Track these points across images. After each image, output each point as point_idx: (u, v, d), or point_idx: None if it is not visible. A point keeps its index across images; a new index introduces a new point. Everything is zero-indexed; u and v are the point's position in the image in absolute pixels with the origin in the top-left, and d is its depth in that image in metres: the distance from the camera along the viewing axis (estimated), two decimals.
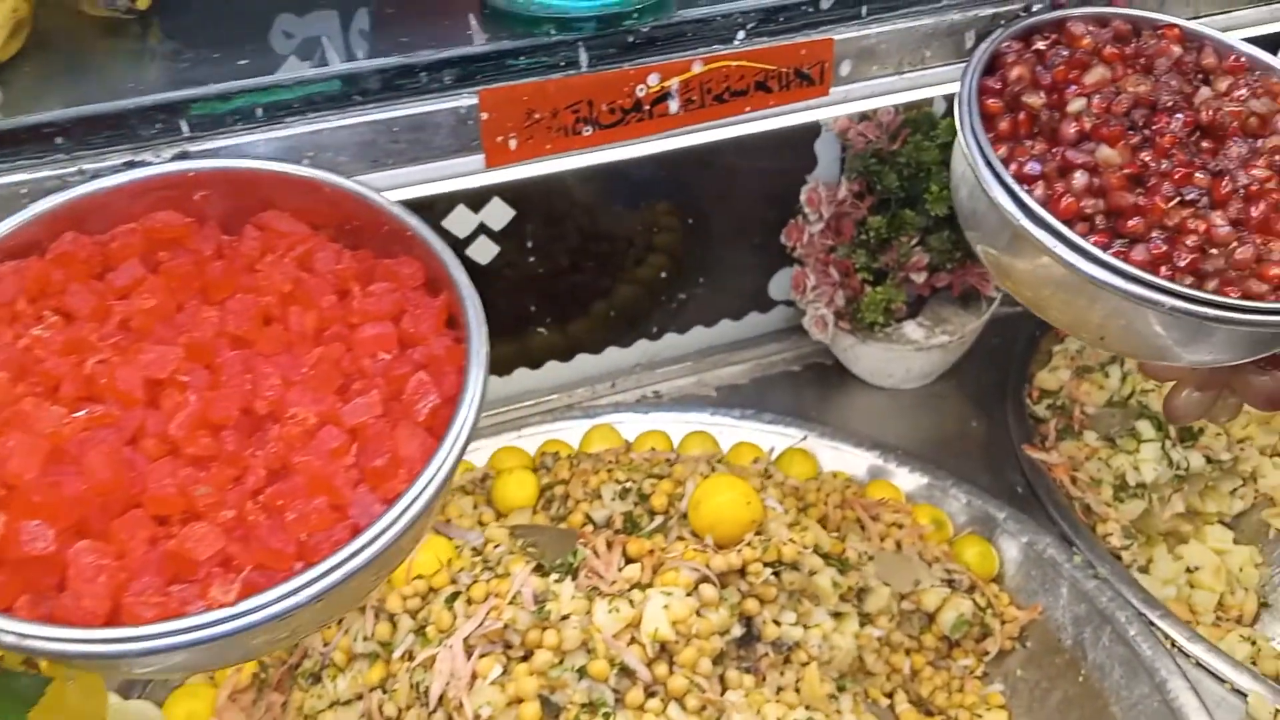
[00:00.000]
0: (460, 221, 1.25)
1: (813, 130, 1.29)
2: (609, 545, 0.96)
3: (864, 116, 1.22)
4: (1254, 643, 1.18)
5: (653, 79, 0.63)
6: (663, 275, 1.43)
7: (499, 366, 1.37)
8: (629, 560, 0.96)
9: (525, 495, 1.12)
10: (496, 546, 0.96)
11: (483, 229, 1.27)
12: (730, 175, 1.37)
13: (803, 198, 1.27)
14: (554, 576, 0.92)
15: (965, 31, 0.70)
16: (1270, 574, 1.24)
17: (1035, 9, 0.70)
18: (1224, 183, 0.62)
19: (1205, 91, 0.66)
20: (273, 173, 0.57)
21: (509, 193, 1.24)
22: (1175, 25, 0.71)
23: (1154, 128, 0.64)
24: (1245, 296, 0.58)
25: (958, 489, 1.25)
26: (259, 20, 0.63)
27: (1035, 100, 0.63)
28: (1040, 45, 0.68)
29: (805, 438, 1.33)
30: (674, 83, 0.64)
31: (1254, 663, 1.18)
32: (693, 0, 0.65)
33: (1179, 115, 0.64)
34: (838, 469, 1.30)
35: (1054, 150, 0.62)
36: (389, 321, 0.52)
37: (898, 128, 1.20)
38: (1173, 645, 1.08)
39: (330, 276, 0.54)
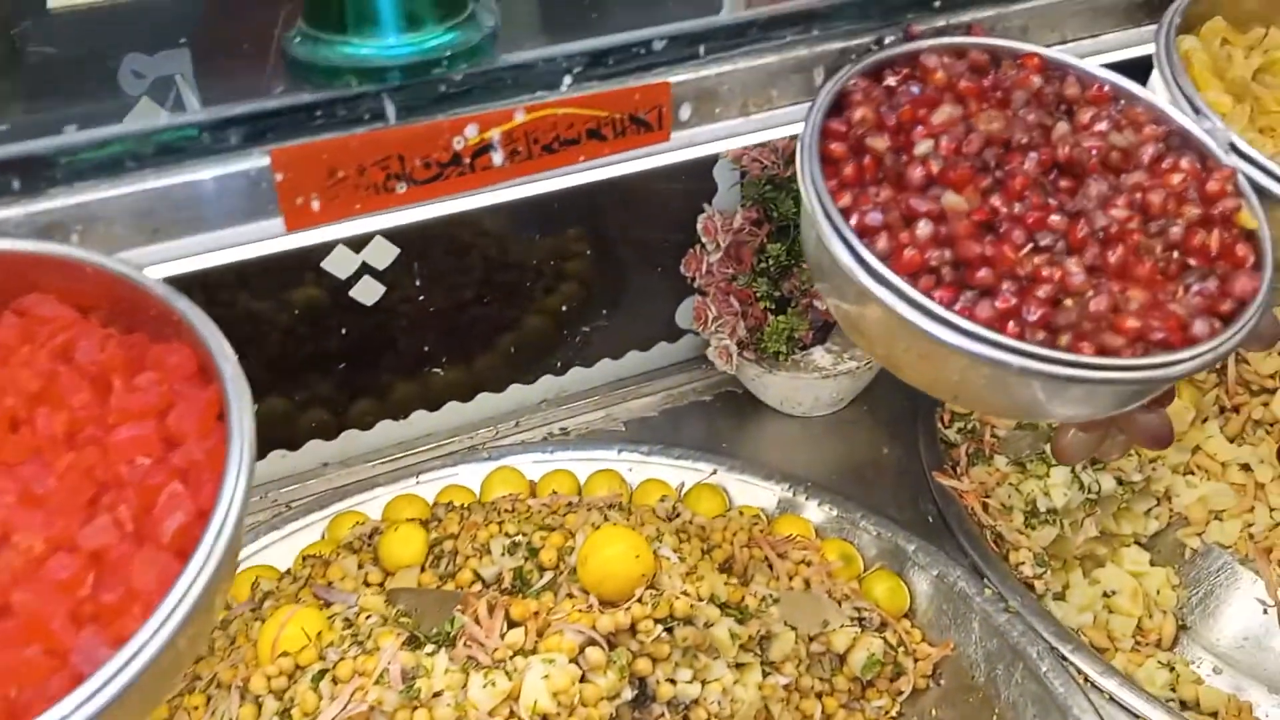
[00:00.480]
0: (341, 262, 1.19)
1: (710, 155, 1.26)
2: (490, 609, 0.90)
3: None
4: (1172, 668, 1.16)
5: (471, 130, 0.58)
6: (565, 308, 1.38)
7: (395, 409, 1.31)
8: (512, 624, 0.90)
9: (412, 552, 1.06)
10: (369, 617, 0.91)
11: (366, 269, 1.21)
12: (633, 201, 1.32)
13: (699, 227, 1.23)
14: (428, 648, 0.86)
15: (814, 68, 0.65)
16: (1188, 595, 1.22)
17: (888, 42, 0.66)
18: (1080, 225, 0.58)
19: (1063, 127, 0.62)
20: (29, 253, 0.51)
21: (391, 231, 1.19)
22: (1036, 54, 0.67)
23: (1007, 168, 0.60)
24: (1100, 351, 0.54)
25: (868, 521, 1.22)
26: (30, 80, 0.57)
27: (880, 143, 0.60)
28: (891, 81, 0.64)
29: (714, 472, 1.29)
30: (495, 134, 0.59)
31: (1173, 688, 1.16)
32: (515, 45, 0.60)
33: (1033, 154, 0.60)
34: (747, 503, 1.27)
35: (900, 197, 0.58)
36: (151, 419, 0.47)
37: (793, 153, 1.17)
38: (1086, 680, 1.05)
39: (92, 368, 0.49)
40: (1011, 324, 0.54)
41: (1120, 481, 1.22)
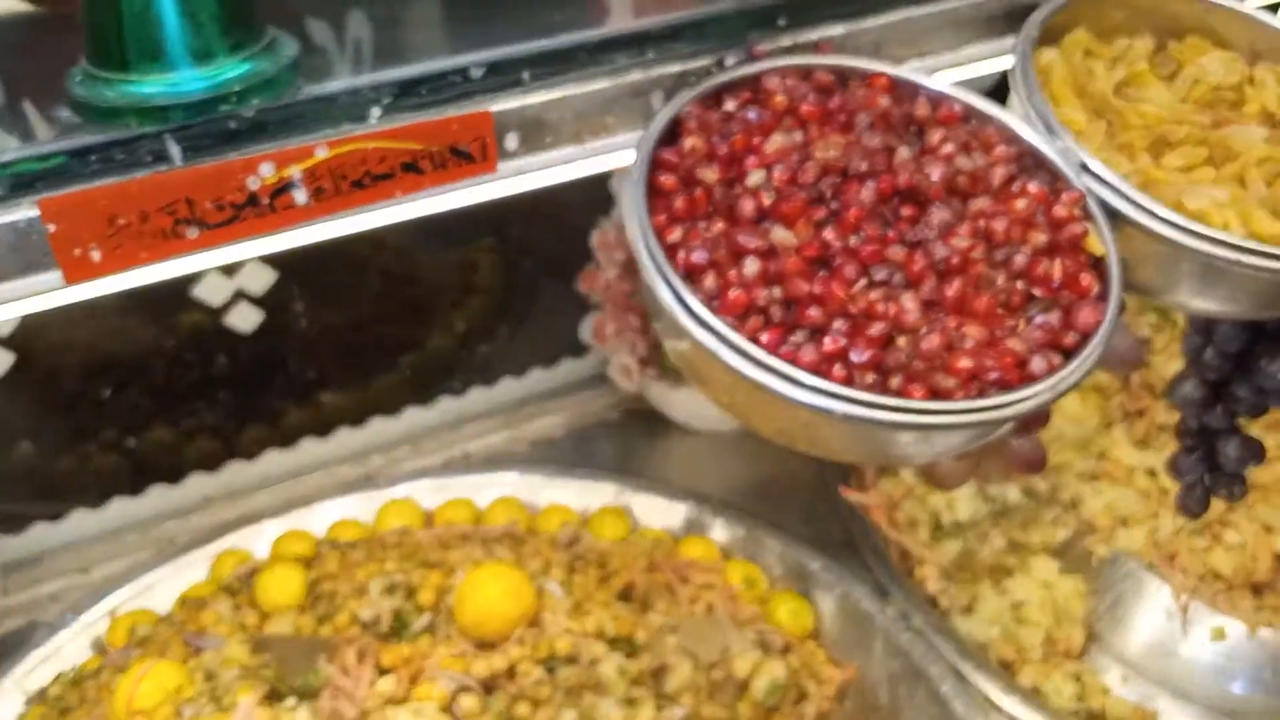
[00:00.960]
0: (212, 290, 1.14)
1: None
2: (360, 656, 0.86)
3: None
4: (1080, 679, 1.15)
5: (267, 169, 0.54)
6: (465, 324, 1.34)
7: (283, 437, 1.26)
8: (383, 671, 0.86)
9: (290, 594, 1.02)
10: (230, 669, 0.86)
11: (241, 295, 1.16)
12: (532, 212, 1.28)
13: (593, 243, 1.19)
14: (290, 701, 0.82)
15: (651, 93, 0.62)
16: (1097, 604, 1.21)
17: (729, 63, 0.63)
18: (917, 258, 0.55)
19: (904, 152, 0.59)
20: None
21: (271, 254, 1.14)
22: (883, 74, 0.64)
23: (843, 199, 0.57)
24: (931, 393, 0.51)
25: (773, 539, 1.19)
26: None
27: (710, 175, 0.56)
28: (730, 106, 0.61)
29: (620, 493, 1.26)
30: (295, 171, 0.55)
31: (1080, 699, 1.15)
32: (321, 75, 0.56)
33: (871, 182, 0.57)
34: (654, 524, 1.23)
35: (731, 232, 0.55)
36: None
37: None
38: (987, 700, 1.03)
39: None
40: (838, 367, 0.51)
41: (1026, 492, 1.21)
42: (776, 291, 0.54)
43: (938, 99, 0.65)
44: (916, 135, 0.63)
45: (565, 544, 1.15)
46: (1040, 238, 0.58)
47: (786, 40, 0.65)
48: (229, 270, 1.11)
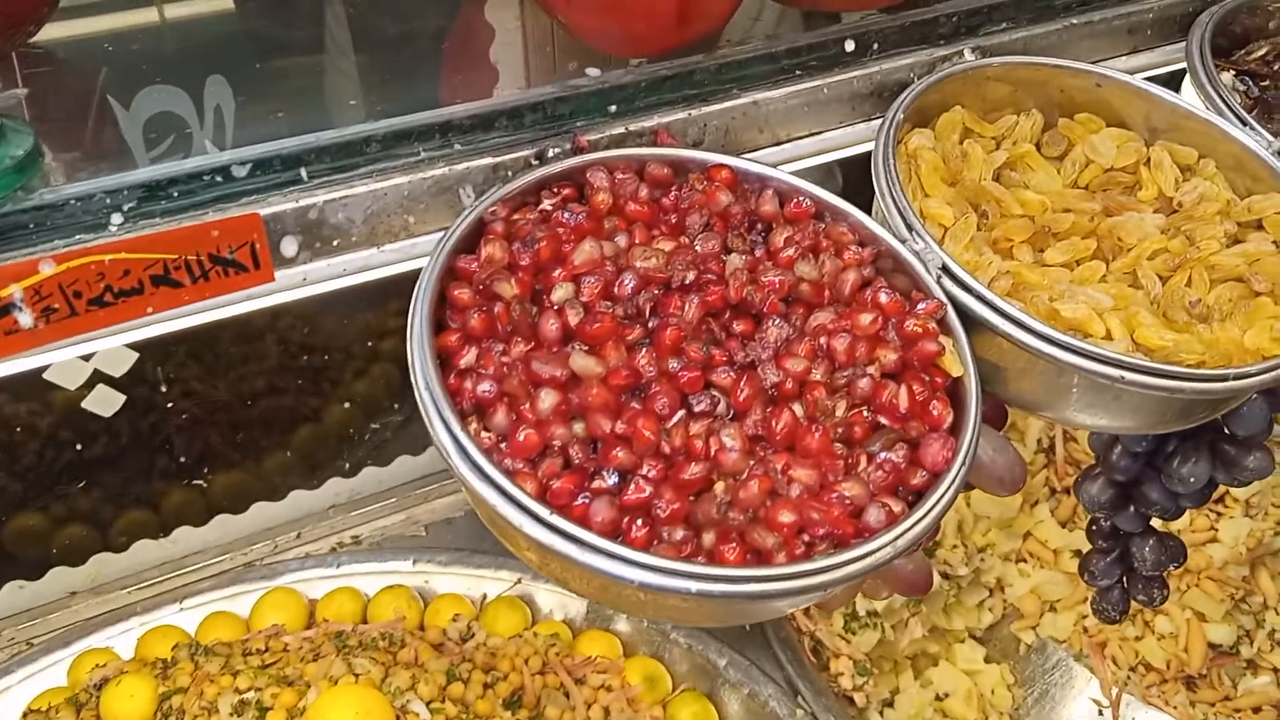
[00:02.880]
0: (67, 373, 1.05)
1: None
2: None
3: None
4: None
5: None
6: (353, 402, 1.26)
7: (155, 527, 1.17)
8: None
9: (136, 710, 0.92)
10: None
11: (99, 376, 1.07)
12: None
13: None
14: None
15: (460, 188, 0.55)
16: (1024, 695, 1.14)
17: (552, 155, 0.56)
18: (741, 385, 0.48)
19: (735, 260, 0.52)
20: None
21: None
22: (726, 165, 0.57)
23: (663, 315, 0.50)
24: (749, 553, 0.44)
25: (679, 632, 1.11)
26: None
27: (508, 289, 0.49)
28: (547, 205, 0.54)
29: (519, 581, 1.17)
30: (16, 291, 0.47)
31: None
32: (57, 178, 0.49)
33: (696, 296, 0.50)
34: (555, 613, 1.15)
35: (531, 357, 0.47)
36: None
37: None
38: None
39: None
40: (639, 524, 0.43)
41: (946, 576, 1.14)
42: (580, 428, 0.46)
43: (788, 193, 0.58)
44: (762, 235, 0.56)
45: (454, 643, 1.07)
46: (890, 356, 0.51)
47: (619, 129, 0.58)
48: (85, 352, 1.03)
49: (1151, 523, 0.82)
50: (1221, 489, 1.14)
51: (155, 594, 1.16)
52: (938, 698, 1.12)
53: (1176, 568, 0.83)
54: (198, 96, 0.56)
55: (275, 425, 1.22)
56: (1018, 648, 1.16)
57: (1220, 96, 0.69)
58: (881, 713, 1.10)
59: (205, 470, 1.19)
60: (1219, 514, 1.13)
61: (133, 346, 1.05)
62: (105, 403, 1.09)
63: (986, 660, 1.15)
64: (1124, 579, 0.84)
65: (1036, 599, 1.16)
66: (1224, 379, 0.53)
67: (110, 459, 1.15)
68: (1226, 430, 0.72)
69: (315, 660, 0.98)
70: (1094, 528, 0.83)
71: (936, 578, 1.13)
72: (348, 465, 1.27)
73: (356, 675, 0.92)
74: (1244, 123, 0.67)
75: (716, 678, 1.08)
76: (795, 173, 0.66)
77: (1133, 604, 0.85)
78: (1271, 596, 1.10)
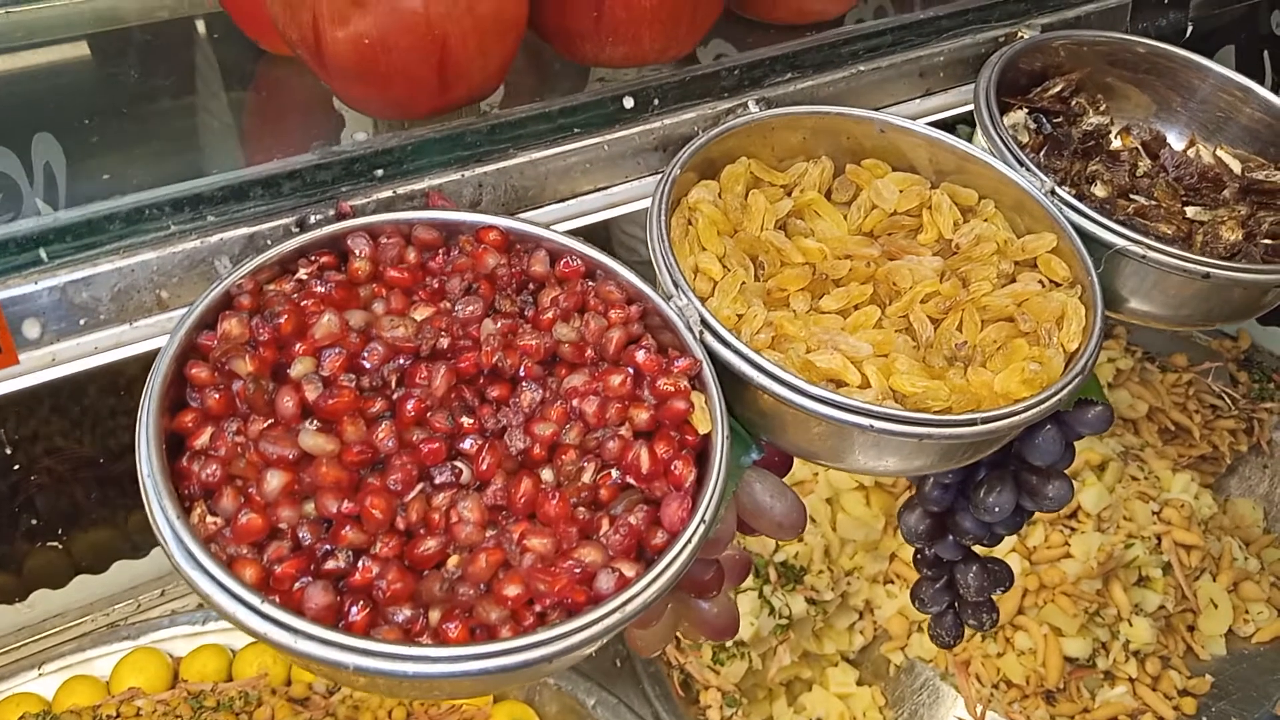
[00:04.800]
0: None
1: None
2: None
3: None
4: None
5: None
6: None
7: (9, 591, 1.14)
8: None
9: None
10: None
11: None
12: None
13: None
14: None
15: (214, 259, 0.54)
16: (894, 716, 1.15)
17: (314, 221, 0.56)
18: (483, 454, 0.48)
19: (489, 325, 0.53)
20: None
21: None
22: (495, 226, 0.58)
23: (408, 386, 0.50)
24: (476, 630, 0.44)
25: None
26: None
27: (244, 366, 0.48)
28: (304, 274, 0.54)
29: None
30: None
31: None
32: None
33: (444, 365, 0.50)
34: None
35: (266, 436, 0.47)
36: None
37: None
38: None
39: None
40: (359, 607, 0.43)
41: (812, 601, 1.15)
42: (309, 509, 0.46)
43: (559, 252, 0.58)
44: (532, 296, 0.57)
45: (320, 696, 1.05)
46: (642, 416, 0.52)
47: (387, 192, 0.58)
48: None
49: (975, 549, 0.84)
50: (1073, 505, 1.18)
51: (12, 660, 1.13)
52: None
53: (1003, 592, 0.84)
54: None
55: (136, 480, 1.19)
56: (888, 669, 1.18)
57: (1000, 138, 0.71)
58: None
59: (60, 530, 1.16)
60: (1072, 529, 1.16)
61: None
62: None
63: (859, 683, 1.16)
64: (954, 605, 0.86)
65: (904, 620, 1.17)
66: (972, 424, 0.54)
67: None
68: (1028, 460, 0.74)
69: None
70: (919, 556, 0.85)
71: (801, 603, 1.14)
72: None
73: None
74: (1021, 164, 0.69)
75: (586, 718, 1.08)
76: (580, 228, 0.67)
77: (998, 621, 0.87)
78: (1124, 608, 1.13)
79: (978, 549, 0.84)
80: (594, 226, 0.67)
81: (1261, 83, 1.60)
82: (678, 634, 0.84)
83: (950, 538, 0.81)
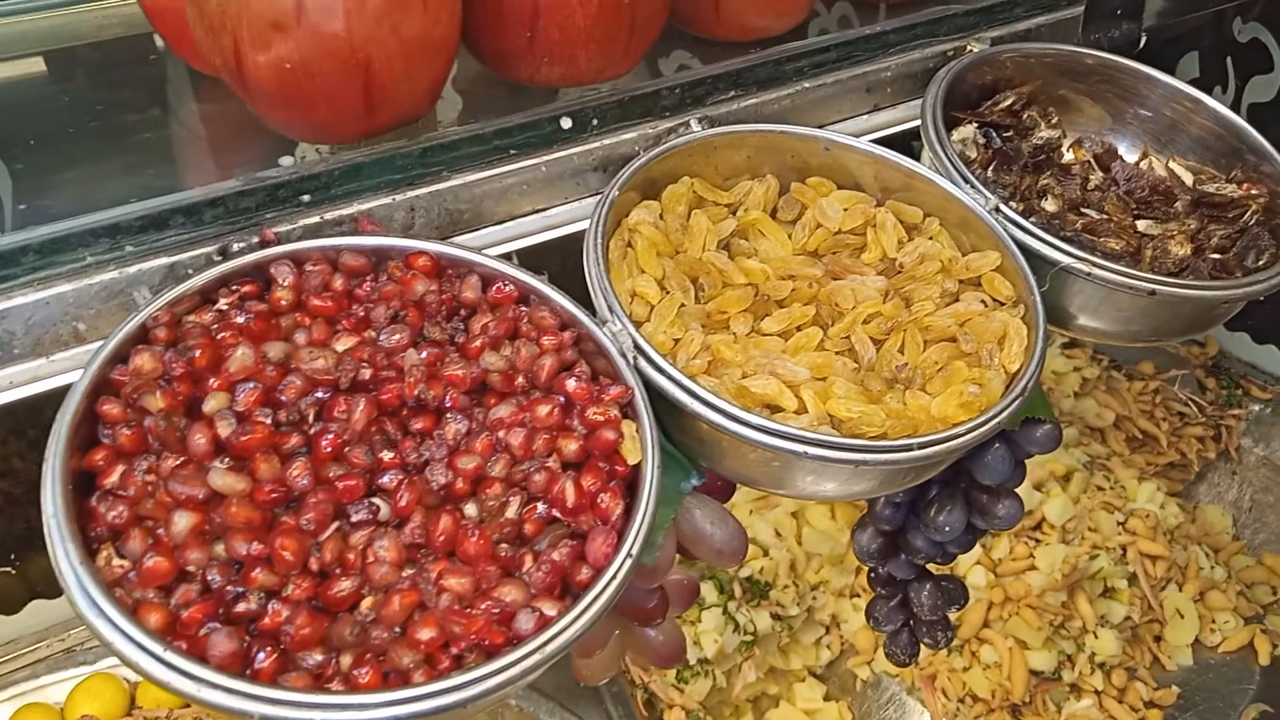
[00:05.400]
0: None
1: None
2: None
3: None
4: None
5: None
6: None
7: None
8: None
9: None
10: None
11: None
12: None
13: None
14: None
15: (133, 290, 0.53)
16: None
17: (236, 249, 0.54)
18: (401, 491, 0.47)
19: (413, 355, 0.52)
20: None
21: None
22: (425, 252, 0.57)
23: (329, 419, 0.49)
24: (391, 674, 0.43)
25: None
26: None
27: (154, 402, 0.47)
28: (224, 304, 0.52)
29: None
30: None
31: None
32: None
33: (364, 398, 0.49)
34: None
35: (177, 475, 0.46)
36: None
37: None
38: None
39: None
40: (265, 653, 0.42)
41: (777, 617, 1.14)
42: (219, 551, 0.45)
43: (491, 278, 0.57)
44: (463, 322, 0.56)
45: None
46: (571, 446, 0.51)
47: (314, 218, 0.57)
48: None
49: (929, 567, 0.83)
50: (1038, 516, 1.17)
51: None
52: None
53: (958, 610, 0.84)
54: None
55: None
56: (855, 684, 1.17)
57: (945, 155, 0.70)
58: None
59: (14, 556, 1.14)
60: (1037, 541, 1.16)
61: None
62: None
63: (826, 698, 1.16)
64: (909, 623, 0.85)
65: (871, 634, 1.17)
66: (907, 449, 0.54)
67: None
68: (977, 479, 0.74)
69: None
70: (873, 575, 0.84)
71: (765, 619, 1.13)
72: None
73: None
74: (966, 180, 0.69)
75: None
76: (521, 250, 0.66)
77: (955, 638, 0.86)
78: (1089, 620, 1.13)
79: (932, 566, 0.83)
80: (546, 246, 0.66)
81: (1224, 88, 1.60)
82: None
83: (903, 556, 0.80)
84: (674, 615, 0.68)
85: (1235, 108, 1.54)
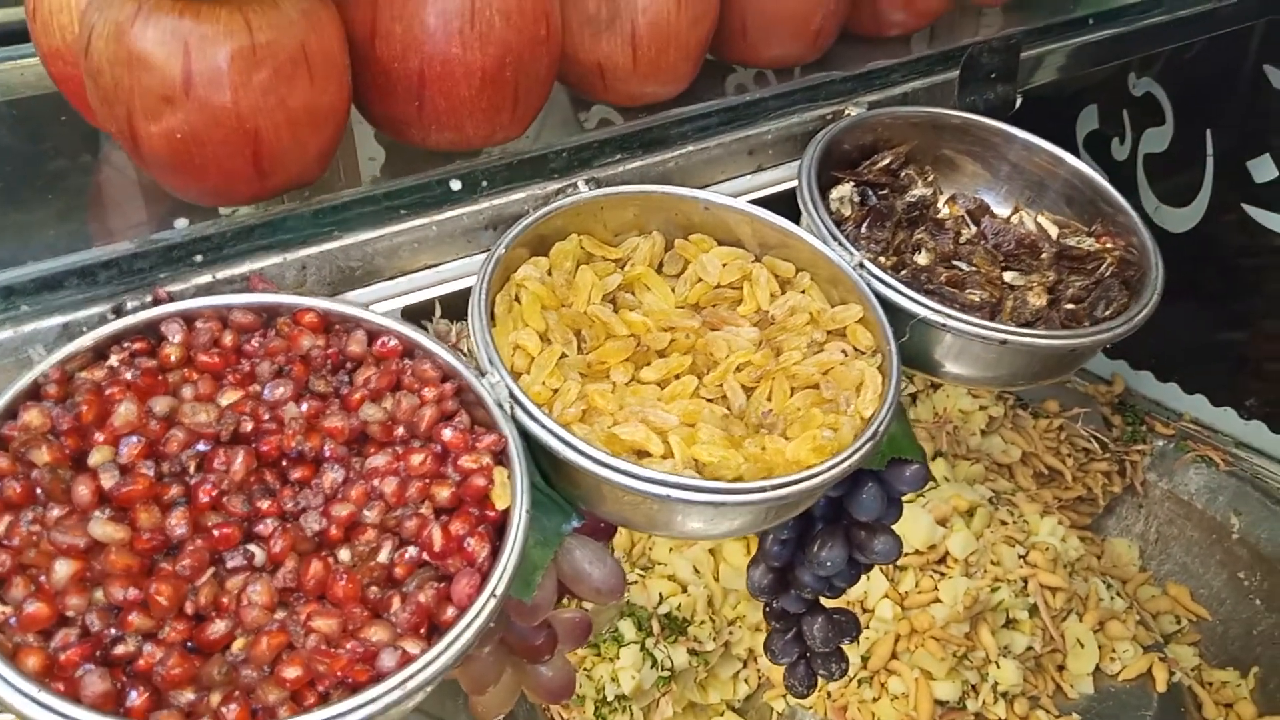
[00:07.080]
0: None
1: None
2: None
3: None
4: None
5: None
6: None
7: None
8: None
9: None
10: None
11: None
12: None
13: None
14: None
15: (28, 348, 0.56)
16: None
17: (130, 308, 0.57)
18: (277, 536, 0.50)
19: (292, 409, 0.55)
20: None
21: None
22: (312, 309, 0.60)
23: (209, 470, 0.52)
24: (259, 709, 0.46)
25: None
26: None
27: (40, 456, 0.50)
28: (115, 361, 0.55)
29: None
30: None
31: None
32: None
33: (243, 450, 0.52)
34: None
35: (61, 526, 0.48)
36: None
37: None
38: None
39: None
40: (138, 692, 0.45)
41: (695, 652, 1.17)
42: (101, 595, 0.47)
43: (377, 332, 0.61)
44: (349, 376, 0.59)
45: None
46: (444, 493, 0.54)
47: (207, 277, 0.60)
48: None
49: (822, 601, 0.87)
50: (941, 550, 1.22)
51: None
52: None
53: (851, 641, 0.88)
54: None
55: None
56: (771, 716, 1.20)
57: (815, 214, 0.75)
58: None
59: None
60: (941, 574, 1.20)
61: None
62: None
63: None
64: (805, 655, 0.88)
65: None
66: (762, 490, 0.58)
67: None
68: (855, 517, 0.78)
69: None
70: (767, 610, 0.88)
71: (682, 654, 1.16)
72: None
73: None
74: (835, 238, 0.74)
75: None
76: (413, 305, 0.69)
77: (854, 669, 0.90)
78: (992, 650, 1.17)
79: (827, 600, 0.87)
80: (444, 299, 0.69)
81: (1122, 139, 1.69)
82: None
83: (793, 591, 0.84)
84: (564, 651, 0.71)
85: (1132, 157, 1.64)
